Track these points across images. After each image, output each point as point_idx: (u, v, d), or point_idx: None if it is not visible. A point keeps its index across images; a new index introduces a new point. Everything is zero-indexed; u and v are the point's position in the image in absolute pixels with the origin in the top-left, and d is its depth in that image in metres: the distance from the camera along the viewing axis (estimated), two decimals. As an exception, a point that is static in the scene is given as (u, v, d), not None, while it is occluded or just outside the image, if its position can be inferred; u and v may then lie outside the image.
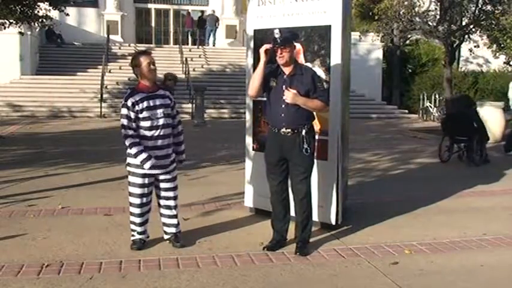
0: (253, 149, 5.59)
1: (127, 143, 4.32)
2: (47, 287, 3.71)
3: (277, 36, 4.46)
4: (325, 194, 5.05)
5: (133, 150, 4.29)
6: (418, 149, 10.17)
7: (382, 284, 3.91)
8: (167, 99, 4.46)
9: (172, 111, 4.49)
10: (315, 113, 4.63)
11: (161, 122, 4.36)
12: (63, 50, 22.21)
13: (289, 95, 4.34)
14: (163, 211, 4.60)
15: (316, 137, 5.01)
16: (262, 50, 4.42)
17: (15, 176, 7.37)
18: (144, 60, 4.33)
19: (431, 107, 18.34)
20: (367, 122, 17.04)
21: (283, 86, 4.40)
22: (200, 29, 24.99)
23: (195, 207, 5.89)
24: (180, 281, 3.87)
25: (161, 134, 4.36)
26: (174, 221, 4.62)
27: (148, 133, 4.33)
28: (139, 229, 4.52)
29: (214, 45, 24.58)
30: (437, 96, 18.24)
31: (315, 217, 5.01)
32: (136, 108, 4.28)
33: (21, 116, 16.51)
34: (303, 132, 4.41)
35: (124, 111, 4.31)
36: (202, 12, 26.13)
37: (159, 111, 4.35)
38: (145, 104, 4.30)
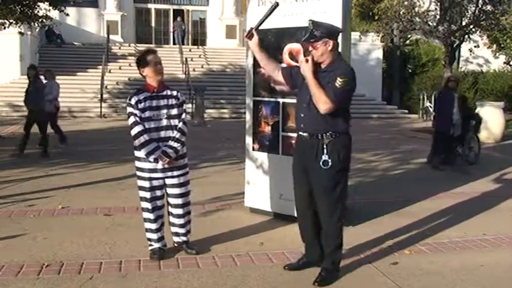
0: (253, 149, 5.59)
1: (134, 136, 4.14)
2: (47, 287, 3.71)
3: (309, 28, 3.75)
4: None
5: (141, 140, 4.13)
6: (418, 149, 10.16)
7: (382, 284, 3.91)
8: (172, 100, 4.29)
9: (178, 110, 4.30)
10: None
11: (164, 123, 4.24)
12: (63, 50, 22.21)
13: (303, 61, 3.77)
14: (172, 219, 4.46)
15: None
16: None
17: (15, 176, 7.37)
18: (150, 60, 4.24)
19: (431, 107, 18.31)
20: (368, 122, 17.04)
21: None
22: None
23: (195, 207, 5.85)
24: (180, 281, 3.87)
25: (164, 136, 4.22)
26: (182, 230, 4.48)
27: (151, 135, 4.19)
28: (155, 236, 4.37)
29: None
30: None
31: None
32: (139, 106, 4.18)
33: (21, 116, 16.38)
34: (325, 139, 3.73)
35: (129, 109, 4.21)
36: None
37: (163, 112, 4.23)
38: (147, 103, 4.20)
